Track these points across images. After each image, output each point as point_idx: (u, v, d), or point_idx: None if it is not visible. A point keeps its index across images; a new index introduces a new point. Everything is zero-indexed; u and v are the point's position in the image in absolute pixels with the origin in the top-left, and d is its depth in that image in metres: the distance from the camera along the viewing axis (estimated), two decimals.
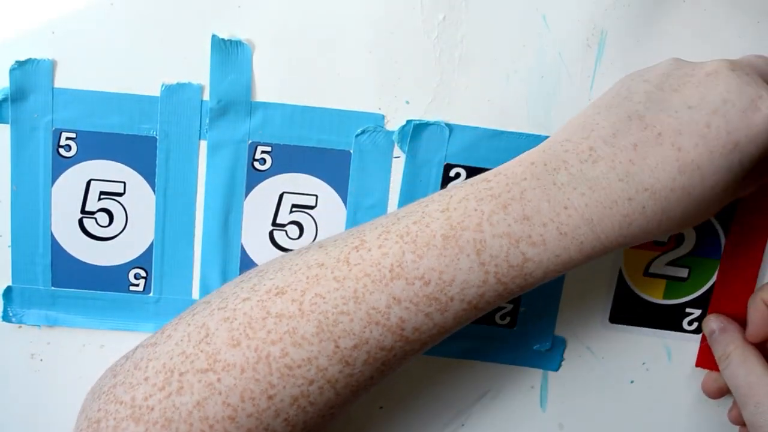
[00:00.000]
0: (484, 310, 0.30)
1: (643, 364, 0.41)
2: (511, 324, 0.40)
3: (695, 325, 0.40)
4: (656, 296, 0.40)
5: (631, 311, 0.40)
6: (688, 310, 0.40)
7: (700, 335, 0.40)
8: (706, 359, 0.40)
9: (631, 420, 0.42)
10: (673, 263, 0.39)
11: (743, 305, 0.39)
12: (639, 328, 0.40)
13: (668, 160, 0.28)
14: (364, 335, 0.28)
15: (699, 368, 0.40)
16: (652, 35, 0.36)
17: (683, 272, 0.39)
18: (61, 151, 0.37)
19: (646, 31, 0.36)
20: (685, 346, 0.40)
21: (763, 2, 0.36)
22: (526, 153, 0.31)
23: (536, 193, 0.29)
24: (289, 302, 0.29)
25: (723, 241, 0.39)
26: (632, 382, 0.41)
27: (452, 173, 0.38)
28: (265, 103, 0.37)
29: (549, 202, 0.28)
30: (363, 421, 0.42)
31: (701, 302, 0.40)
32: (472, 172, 0.38)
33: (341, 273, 0.29)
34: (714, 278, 0.39)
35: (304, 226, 0.39)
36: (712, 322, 0.37)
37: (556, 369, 0.41)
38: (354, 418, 0.42)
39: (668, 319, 0.40)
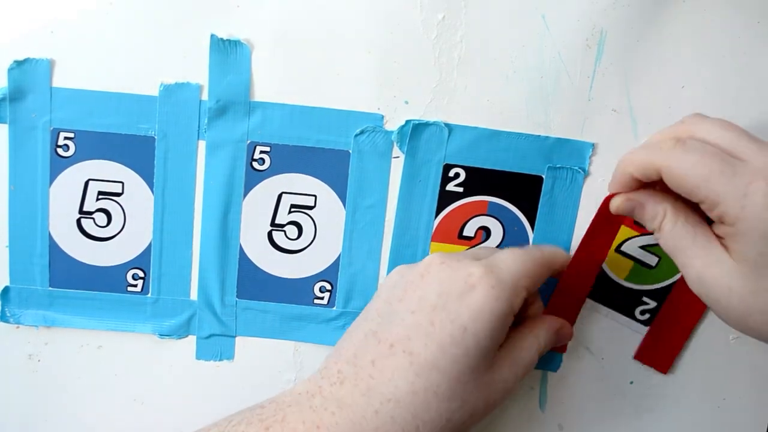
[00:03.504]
0: None
1: (643, 364, 0.41)
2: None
3: (647, 316, 0.40)
4: (619, 275, 0.39)
5: (593, 285, 0.39)
6: (644, 299, 0.39)
7: (647, 327, 0.40)
8: (646, 353, 0.40)
9: (631, 420, 0.42)
10: (645, 248, 0.39)
11: (701, 305, 0.39)
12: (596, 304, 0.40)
13: (402, 367, 0.30)
14: None
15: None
16: (652, 35, 0.36)
17: (653, 260, 0.39)
18: (59, 150, 0.37)
19: (646, 31, 0.36)
20: (685, 346, 0.40)
21: (763, 2, 0.36)
22: (295, 384, 0.33)
23: (295, 416, 0.30)
24: None
25: None
26: (632, 382, 0.41)
27: (451, 173, 0.38)
28: (263, 102, 0.37)
29: (304, 423, 0.30)
30: None
31: (658, 295, 0.39)
32: (472, 172, 0.38)
33: None
34: (679, 275, 0.39)
35: (303, 227, 0.38)
36: (631, 199, 0.33)
37: (556, 370, 0.41)
38: None
39: (623, 303, 0.40)
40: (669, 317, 0.40)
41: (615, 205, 0.34)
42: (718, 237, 0.31)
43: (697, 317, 0.40)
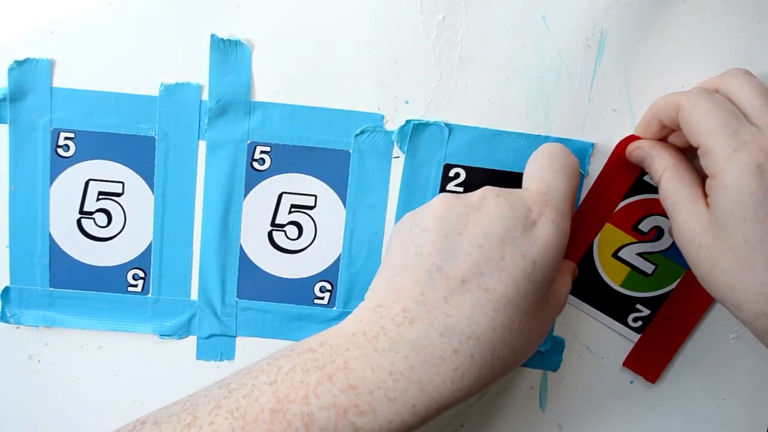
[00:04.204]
0: None
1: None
2: None
3: (639, 323, 0.40)
4: (615, 281, 0.39)
5: (587, 288, 0.39)
6: (638, 306, 0.39)
7: (639, 335, 0.40)
8: (635, 361, 0.40)
9: (631, 420, 0.42)
10: (642, 255, 0.39)
11: (693, 318, 0.39)
12: (590, 307, 0.40)
13: (480, 303, 0.29)
14: None
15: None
16: (652, 35, 0.36)
17: (649, 267, 0.39)
18: (60, 151, 0.37)
19: (646, 31, 0.36)
20: (685, 346, 0.40)
21: (763, 2, 0.36)
22: (343, 323, 0.31)
23: (359, 362, 0.28)
24: None
25: None
26: (632, 382, 0.41)
27: (452, 173, 0.38)
28: (264, 102, 0.37)
29: (373, 369, 0.28)
30: None
31: (653, 303, 0.39)
32: (472, 172, 0.38)
33: None
34: (674, 285, 0.39)
35: (303, 227, 0.38)
36: (643, 149, 0.36)
37: (555, 369, 0.41)
38: None
39: (617, 309, 0.40)
40: (661, 327, 0.40)
41: (629, 151, 0.36)
42: (706, 196, 0.32)
43: (689, 329, 0.40)
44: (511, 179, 0.38)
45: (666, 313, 0.39)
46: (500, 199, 0.31)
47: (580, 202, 0.38)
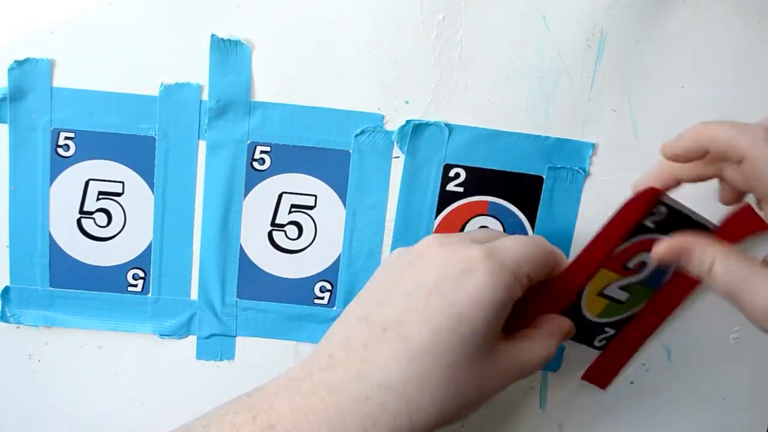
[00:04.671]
0: None
1: (643, 364, 0.41)
2: None
3: (603, 342, 0.38)
4: (592, 314, 0.36)
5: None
6: (606, 329, 0.37)
7: (600, 351, 0.38)
8: (594, 373, 0.39)
9: (631, 420, 0.42)
10: (623, 287, 0.36)
11: (648, 331, 0.37)
12: None
13: (397, 352, 0.29)
14: None
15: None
16: (652, 35, 0.36)
17: (624, 296, 0.36)
18: (60, 150, 0.37)
19: (646, 31, 0.36)
20: (685, 346, 0.40)
21: (763, 2, 0.36)
22: (287, 370, 0.32)
23: (283, 404, 0.30)
24: None
25: (668, 276, 0.36)
26: (632, 382, 0.41)
27: (452, 173, 0.38)
28: (264, 102, 0.37)
29: (292, 410, 0.29)
30: None
31: (618, 324, 0.37)
32: (472, 172, 0.38)
33: None
34: (641, 306, 0.37)
35: (303, 227, 0.38)
36: (679, 244, 0.31)
37: (556, 369, 0.41)
38: None
39: (587, 335, 0.37)
40: (620, 344, 0.38)
41: (659, 252, 0.31)
42: None
43: (640, 344, 0.38)
44: (511, 179, 0.38)
45: (629, 331, 0.38)
46: (442, 248, 0.31)
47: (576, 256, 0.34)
